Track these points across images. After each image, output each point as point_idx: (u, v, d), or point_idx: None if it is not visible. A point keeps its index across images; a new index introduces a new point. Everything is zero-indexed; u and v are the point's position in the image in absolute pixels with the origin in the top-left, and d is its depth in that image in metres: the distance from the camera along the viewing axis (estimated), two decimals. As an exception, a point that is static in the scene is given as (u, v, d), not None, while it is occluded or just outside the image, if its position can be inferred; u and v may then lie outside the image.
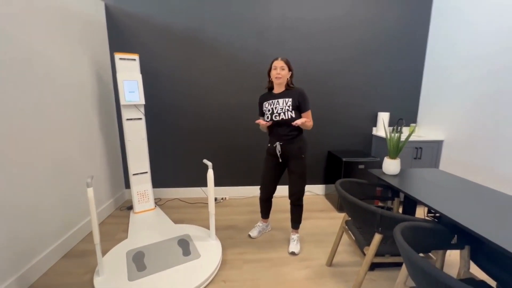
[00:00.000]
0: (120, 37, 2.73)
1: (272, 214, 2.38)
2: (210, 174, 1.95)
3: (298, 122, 1.82)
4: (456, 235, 1.28)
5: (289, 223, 2.19)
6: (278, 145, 1.96)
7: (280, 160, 2.01)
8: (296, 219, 2.12)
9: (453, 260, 1.92)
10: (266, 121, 1.97)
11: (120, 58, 2.35)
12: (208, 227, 2.32)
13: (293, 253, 2.02)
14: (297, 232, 2.15)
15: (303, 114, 1.92)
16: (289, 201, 2.11)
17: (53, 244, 1.90)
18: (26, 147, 1.68)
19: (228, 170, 3.12)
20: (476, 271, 1.34)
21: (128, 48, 2.73)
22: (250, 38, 2.85)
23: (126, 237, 2.20)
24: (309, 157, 3.10)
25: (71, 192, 2.11)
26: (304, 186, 2.05)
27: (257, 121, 1.95)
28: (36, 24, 1.79)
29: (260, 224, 2.33)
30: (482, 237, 1.04)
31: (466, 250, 1.27)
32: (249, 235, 2.27)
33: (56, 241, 1.93)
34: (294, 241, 2.10)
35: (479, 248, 1.31)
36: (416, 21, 2.99)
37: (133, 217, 2.54)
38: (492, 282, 1.27)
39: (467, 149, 2.53)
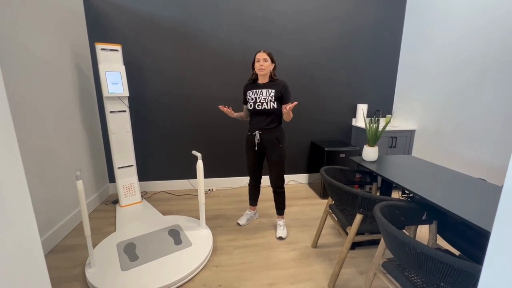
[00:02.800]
0: (101, 27, 2.63)
1: (258, 203, 2.48)
2: (200, 164, 1.99)
3: (288, 106, 1.86)
4: (426, 212, 1.44)
5: (275, 210, 2.29)
6: (257, 134, 2.05)
7: (256, 149, 2.10)
8: (279, 206, 2.23)
9: (422, 236, 2.14)
10: (249, 109, 2.07)
11: (102, 49, 2.28)
12: (196, 218, 2.37)
13: (280, 238, 2.14)
14: (283, 218, 2.26)
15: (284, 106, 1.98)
16: (272, 189, 2.22)
17: (38, 240, 1.86)
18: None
19: (214, 162, 3.16)
20: (442, 243, 1.52)
21: (109, 38, 2.65)
22: (236, 30, 2.87)
23: (114, 230, 2.20)
24: (293, 147, 3.26)
25: (54, 188, 2.06)
26: (283, 173, 2.14)
27: (220, 106, 2.03)
28: (10, 14, 1.70)
29: (248, 212, 2.42)
30: (447, 210, 1.19)
31: (434, 225, 1.45)
32: (238, 223, 2.35)
33: (40, 237, 1.88)
34: (280, 226, 2.21)
35: (445, 223, 1.49)
36: (391, 18, 3.16)
37: (119, 211, 2.52)
38: (455, 252, 1.46)
39: (436, 137, 2.77)
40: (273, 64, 2.00)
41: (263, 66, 1.94)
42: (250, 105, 2.04)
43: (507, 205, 0.52)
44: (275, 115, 2.02)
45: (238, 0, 2.81)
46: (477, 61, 2.32)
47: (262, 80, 2.03)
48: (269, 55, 1.96)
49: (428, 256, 0.94)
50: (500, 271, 0.53)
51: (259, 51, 1.97)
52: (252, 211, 2.43)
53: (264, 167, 2.24)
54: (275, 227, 2.31)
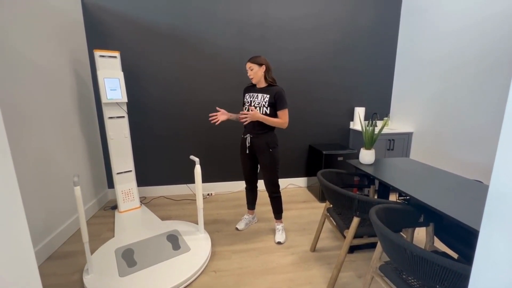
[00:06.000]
0: (99, 34, 2.66)
1: (256, 207, 2.48)
2: (198, 169, 2.00)
3: (249, 116, 1.92)
4: (422, 214, 1.44)
5: (272, 215, 2.29)
6: (248, 138, 2.10)
7: (247, 152, 2.13)
8: (276, 210, 2.22)
9: (420, 238, 2.13)
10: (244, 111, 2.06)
11: (100, 56, 2.30)
12: (195, 223, 2.37)
13: (279, 243, 2.13)
14: (281, 222, 2.25)
15: (278, 113, 2.01)
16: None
17: (36, 247, 1.85)
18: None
19: (213, 166, 3.16)
20: (441, 246, 1.52)
21: (108, 45, 2.68)
22: (233, 36, 2.90)
23: (113, 236, 2.19)
24: (291, 150, 3.28)
25: (52, 194, 2.06)
26: (275, 178, 2.14)
27: (216, 117, 2.05)
28: (10, 21, 1.72)
29: (247, 216, 2.42)
30: (442, 213, 1.20)
31: (431, 227, 1.45)
32: (236, 228, 2.35)
33: (39, 243, 1.88)
34: (279, 231, 2.21)
35: (442, 225, 1.49)
36: (387, 21, 3.20)
37: (118, 216, 2.51)
38: (454, 255, 1.46)
39: (433, 140, 2.78)
40: (262, 66, 1.99)
41: (251, 74, 2.01)
42: (245, 108, 2.09)
43: (493, 204, 0.52)
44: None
45: (235, 7, 2.85)
46: (473, 63, 2.34)
47: (260, 85, 2.07)
48: (254, 61, 1.98)
49: (423, 259, 0.94)
50: (489, 267, 0.53)
51: (246, 62, 2.03)
52: (250, 216, 2.43)
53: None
54: (273, 231, 2.31)
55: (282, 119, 2.01)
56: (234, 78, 2.98)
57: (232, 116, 2.16)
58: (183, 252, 1.89)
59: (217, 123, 2.05)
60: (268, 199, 2.85)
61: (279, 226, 2.23)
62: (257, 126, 2.04)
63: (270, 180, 2.13)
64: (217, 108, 2.10)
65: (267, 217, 2.57)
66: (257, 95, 2.03)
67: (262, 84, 2.05)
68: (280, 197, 2.20)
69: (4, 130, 0.71)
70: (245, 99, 2.11)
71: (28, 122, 1.84)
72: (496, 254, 0.51)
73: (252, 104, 2.04)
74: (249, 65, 1.99)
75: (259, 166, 2.19)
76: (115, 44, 2.70)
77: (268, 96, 1.99)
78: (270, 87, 2.03)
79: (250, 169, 2.23)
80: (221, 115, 2.07)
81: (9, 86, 1.68)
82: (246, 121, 1.96)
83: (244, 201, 2.58)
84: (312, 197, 3.09)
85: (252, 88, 2.11)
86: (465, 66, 2.41)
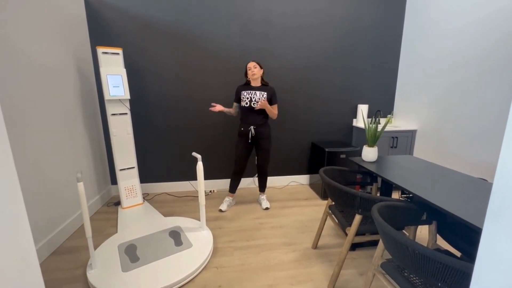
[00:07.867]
0: (102, 31, 2.66)
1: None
2: (200, 166, 2.00)
3: (261, 104, 2.31)
4: (425, 212, 1.43)
5: (274, 213, 2.48)
6: (252, 129, 2.42)
7: (250, 141, 2.48)
8: (264, 184, 2.73)
9: (423, 236, 2.12)
10: (244, 106, 2.42)
11: (103, 52, 2.31)
12: (197, 219, 2.38)
13: (266, 208, 2.64)
14: (265, 193, 2.78)
15: (272, 106, 2.47)
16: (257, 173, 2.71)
17: (40, 242, 1.88)
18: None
19: (215, 163, 3.17)
20: (444, 244, 1.51)
21: (110, 42, 2.68)
22: (235, 33, 2.89)
23: (116, 232, 2.22)
24: (294, 148, 3.27)
25: (56, 190, 2.08)
26: (269, 158, 2.62)
27: (214, 107, 2.43)
28: (13, 19, 1.73)
29: (228, 199, 2.71)
30: (445, 210, 1.19)
31: (434, 225, 1.44)
32: (220, 210, 2.61)
33: (43, 239, 1.91)
34: (264, 200, 2.73)
35: (445, 223, 1.48)
36: (391, 18, 3.16)
37: (121, 212, 2.54)
38: (457, 253, 1.45)
39: (437, 137, 2.75)
40: (262, 69, 2.41)
41: (254, 72, 2.36)
42: (246, 103, 2.39)
43: (497, 202, 0.52)
44: (266, 113, 2.47)
45: (237, 4, 2.83)
46: (478, 60, 2.30)
47: (255, 83, 2.43)
48: (258, 62, 2.40)
49: (425, 257, 0.94)
50: (491, 266, 0.53)
51: (249, 62, 2.41)
52: (231, 198, 2.72)
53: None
54: (274, 228, 2.32)
55: (276, 111, 2.49)
56: (236, 75, 2.97)
57: (225, 109, 2.51)
58: (185, 248, 1.90)
59: (214, 110, 2.44)
60: (269, 197, 2.89)
61: (263, 196, 2.75)
62: (260, 118, 2.43)
63: (267, 158, 2.58)
64: (212, 104, 2.47)
65: (268, 214, 2.57)
66: (255, 92, 2.39)
67: (258, 83, 2.43)
68: (267, 174, 2.70)
69: (4, 126, 0.70)
70: (242, 96, 2.42)
71: (32, 119, 1.85)
72: (499, 253, 0.51)
73: (253, 100, 2.37)
74: (253, 63, 2.37)
75: (256, 151, 2.57)
76: (117, 41, 2.70)
77: (265, 93, 2.40)
78: (264, 86, 2.45)
79: (245, 156, 2.54)
80: (218, 106, 2.46)
81: (12, 83, 1.69)
82: (257, 107, 2.34)
83: (246, 198, 2.64)
84: (314, 195, 3.09)
85: (247, 86, 2.44)
86: (469, 64, 2.37)
